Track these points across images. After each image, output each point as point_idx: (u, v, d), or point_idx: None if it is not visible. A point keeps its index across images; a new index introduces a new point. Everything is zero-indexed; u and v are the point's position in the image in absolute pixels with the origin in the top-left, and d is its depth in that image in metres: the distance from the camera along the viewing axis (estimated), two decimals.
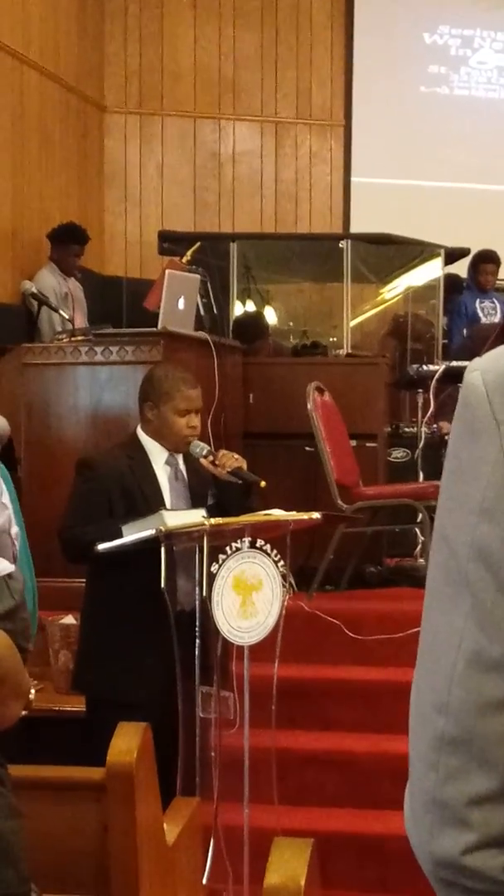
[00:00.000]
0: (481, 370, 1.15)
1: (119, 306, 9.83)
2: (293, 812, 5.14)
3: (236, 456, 5.20)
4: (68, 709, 5.36)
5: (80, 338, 6.46)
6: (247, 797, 4.69)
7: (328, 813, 5.43)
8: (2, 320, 8.76)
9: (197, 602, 4.74)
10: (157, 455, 5.16)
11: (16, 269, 9.38)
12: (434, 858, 1.17)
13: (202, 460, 5.16)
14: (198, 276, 6.59)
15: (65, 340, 6.48)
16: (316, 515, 4.92)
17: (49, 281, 9.07)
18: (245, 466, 5.18)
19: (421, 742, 1.18)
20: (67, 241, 9.33)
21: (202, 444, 5.22)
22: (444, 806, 1.16)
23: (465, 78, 12.21)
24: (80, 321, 8.78)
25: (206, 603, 4.69)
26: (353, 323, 9.28)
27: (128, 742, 3.28)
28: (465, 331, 10.00)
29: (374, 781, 5.54)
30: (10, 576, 2.31)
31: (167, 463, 5.17)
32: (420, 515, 6.88)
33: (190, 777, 4.71)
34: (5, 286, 9.20)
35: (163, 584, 4.71)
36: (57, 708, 5.50)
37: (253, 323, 8.76)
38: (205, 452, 5.16)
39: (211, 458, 5.15)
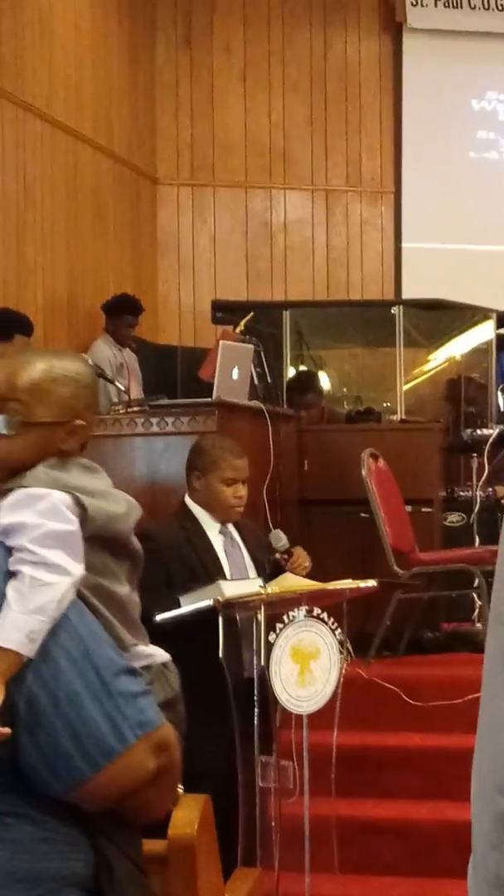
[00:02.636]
0: None
1: (173, 375, 9.94)
2: (354, 881, 5.12)
3: (307, 565, 5.27)
4: None
5: (135, 409, 6.53)
6: (308, 866, 4.70)
7: (389, 882, 5.41)
8: None
9: (255, 671, 4.76)
10: (210, 524, 5.21)
11: (71, 340, 9.50)
12: None
13: (277, 555, 5.24)
14: (251, 347, 6.65)
15: (121, 412, 6.55)
16: (372, 583, 4.94)
17: (104, 352, 9.18)
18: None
19: (483, 821, 1.20)
20: (122, 313, 9.45)
21: (284, 538, 5.29)
22: None
23: None
24: (136, 391, 8.87)
25: (264, 672, 4.72)
26: (406, 387, 9.33)
27: (189, 814, 3.30)
28: None
29: (434, 849, 5.52)
30: (166, 665, 2.34)
31: (220, 532, 5.22)
32: (476, 580, 6.89)
33: (251, 847, 4.71)
34: None
35: (221, 654, 4.74)
36: None
37: (305, 376, 8.82)
38: (282, 548, 5.24)
39: (285, 557, 5.23)
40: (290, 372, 9.26)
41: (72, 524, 2.30)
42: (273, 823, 4.75)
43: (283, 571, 5.15)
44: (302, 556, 5.27)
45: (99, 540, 2.35)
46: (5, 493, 2.38)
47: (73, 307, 9.64)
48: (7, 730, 1.93)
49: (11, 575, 2.11)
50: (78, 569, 2.22)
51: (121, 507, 2.53)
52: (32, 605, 2.05)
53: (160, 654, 2.52)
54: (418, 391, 10.12)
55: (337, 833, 4.87)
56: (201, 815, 3.35)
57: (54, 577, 2.16)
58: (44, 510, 2.29)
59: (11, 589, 2.04)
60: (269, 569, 5.24)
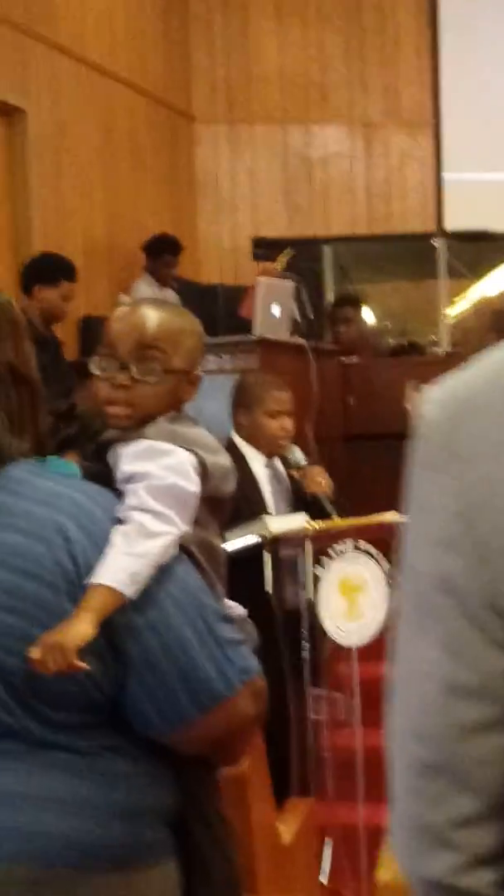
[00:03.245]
0: (434, 402, 1.17)
1: (216, 314, 9.91)
2: None
3: (321, 479, 5.24)
4: None
5: None
6: (361, 796, 4.74)
7: None
8: (101, 334, 8.86)
9: (303, 605, 4.79)
10: (255, 459, 5.23)
11: (112, 282, 9.49)
12: (424, 881, 1.21)
13: (294, 471, 5.24)
14: (291, 283, 6.64)
15: None
16: None
17: (146, 292, 9.16)
18: (330, 491, 5.22)
19: (402, 769, 1.22)
20: (162, 252, 9.42)
21: (300, 454, 5.29)
22: (430, 830, 1.19)
23: None
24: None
25: (311, 606, 4.75)
26: (450, 320, 9.29)
27: None
28: None
29: None
30: (244, 617, 2.37)
31: (266, 466, 5.24)
32: None
33: (304, 778, 4.76)
34: (103, 299, 9.31)
35: (268, 588, 4.77)
36: None
37: (344, 293, 8.78)
38: (299, 465, 5.24)
39: (301, 473, 5.23)
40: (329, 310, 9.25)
41: (193, 485, 2.31)
42: (326, 755, 4.79)
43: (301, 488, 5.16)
44: (316, 473, 5.25)
45: (208, 496, 2.37)
46: (122, 443, 2.43)
47: (112, 249, 9.63)
48: (84, 664, 1.94)
49: (119, 522, 2.13)
50: (185, 527, 2.25)
51: (229, 462, 2.56)
52: (136, 550, 2.06)
53: (239, 607, 2.55)
54: (463, 324, 10.08)
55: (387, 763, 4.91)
56: (252, 745, 3.38)
57: (163, 528, 2.16)
58: (168, 465, 2.30)
59: (118, 533, 2.05)
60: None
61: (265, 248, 9.15)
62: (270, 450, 5.22)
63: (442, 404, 1.18)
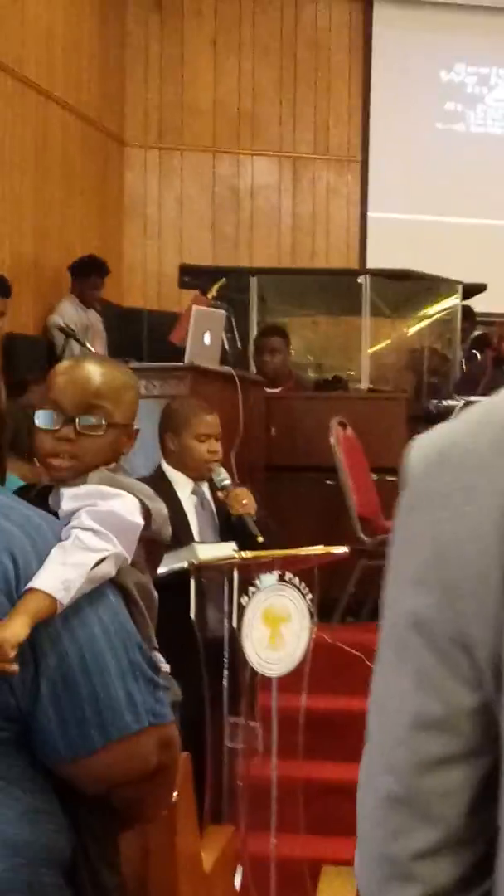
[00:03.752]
0: (418, 449, 1.23)
1: (138, 338, 9.92)
2: (319, 841, 5.18)
3: (246, 501, 5.25)
4: None
5: None
6: (274, 826, 4.76)
7: (352, 842, 5.47)
8: (24, 352, 8.85)
9: (226, 633, 4.81)
10: (183, 486, 5.24)
11: (37, 301, 9.49)
12: None
13: (218, 492, 5.27)
14: (223, 313, 6.69)
15: None
16: (344, 549, 5.00)
17: (70, 313, 9.17)
18: (254, 512, 5.25)
19: (368, 800, 1.29)
20: (89, 274, 9.44)
21: (225, 475, 5.31)
22: (392, 861, 1.24)
23: (482, 115, 12.34)
24: (101, 354, 8.87)
25: (234, 634, 4.77)
26: (370, 356, 9.37)
27: None
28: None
29: None
30: (169, 672, 2.38)
31: (193, 493, 5.26)
32: None
33: (217, 806, 4.77)
34: (27, 318, 9.30)
35: (193, 615, 4.79)
36: None
37: (271, 325, 8.83)
38: (223, 485, 5.26)
39: (224, 494, 5.25)
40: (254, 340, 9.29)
41: (136, 519, 2.40)
42: (240, 784, 4.81)
43: (249, 539, 5.18)
44: (241, 494, 5.29)
45: (144, 540, 2.42)
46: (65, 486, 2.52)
47: (39, 267, 9.62)
48: (15, 666, 1.95)
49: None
50: (123, 551, 2.28)
51: (166, 510, 2.63)
52: (72, 560, 2.09)
53: (164, 663, 2.59)
54: (380, 360, 10.17)
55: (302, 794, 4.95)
56: (181, 773, 3.40)
57: (100, 544, 2.21)
58: (114, 504, 2.37)
59: (57, 547, 2.08)
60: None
61: (192, 276, 9.20)
62: (199, 473, 5.24)
63: (425, 452, 1.22)
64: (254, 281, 8.96)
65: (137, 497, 2.48)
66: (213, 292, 7.25)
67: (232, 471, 6.30)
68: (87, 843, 2.13)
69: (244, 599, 4.72)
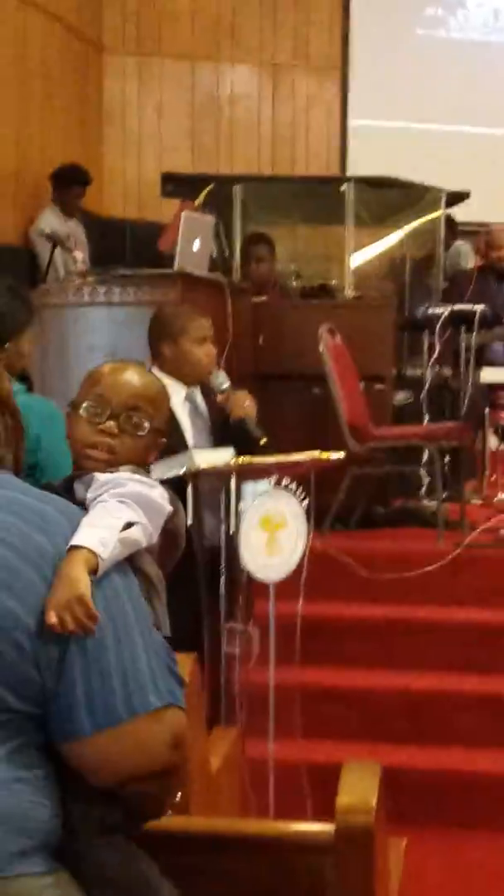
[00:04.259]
0: None
1: (119, 248, 9.86)
2: (316, 745, 5.23)
3: (248, 403, 5.24)
4: None
5: (93, 278, 6.49)
6: (272, 731, 4.80)
7: (347, 747, 5.53)
8: (7, 261, 8.78)
9: (223, 540, 4.82)
10: (175, 393, 5.20)
11: (17, 210, 9.41)
12: None
13: (219, 395, 5.24)
14: (212, 218, 6.63)
15: (78, 282, 6.50)
16: (340, 455, 5.00)
17: (52, 222, 9.10)
18: (254, 414, 5.23)
19: None
20: (70, 183, 9.37)
21: (224, 377, 5.29)
22: None
23: (462, 20, 12.20)
24: (83, 263, 8.81)
25: (231, 541, 4.78)
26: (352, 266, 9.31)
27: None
28: None
29: (389, 716, 5.67)
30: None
31: (187, 399, 5.23)
32: (426, 457, 7.00)
33: (216, 712, 4.80)
34: (8, 228, 9.22)
35: (189, 522, 4.78)
36: None
37: (257, 232, 8.77)
38: (223, 388, 5.24)
39: (225, 396, 5.23)
40: (239, 249, 9.22)
41: (163, 503, 2.44)
42: (237, 689, 4.84)
43: (250, 443, 5.16)
44: (242, 396, 5.27)
45: (165, 531, 2.50)
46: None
47: (19, 177, 9.52)
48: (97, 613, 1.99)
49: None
50: (150, 527, 2.32)
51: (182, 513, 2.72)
52: (101, 522, 2.13)
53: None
54: (363, 269, 10.11)
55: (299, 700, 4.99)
56: (189, 674, 3.42)
57: (126, 511, 2.25)
58: (143, 487, 2.42)
59: (87, 515, 2.14)
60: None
61: (175, 184, 9.10)
62: (197, 377, 5.21)
63: None
64: (237, 189, 8.86)
65: (169, 493, 2.53)
66: (200, 199, 7.18)
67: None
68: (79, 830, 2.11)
69: (241, 506, 4.73)
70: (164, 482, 4.62)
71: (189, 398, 5.23)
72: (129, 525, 2.21)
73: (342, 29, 11.70)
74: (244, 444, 5.02)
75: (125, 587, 2.10)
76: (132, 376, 2.72)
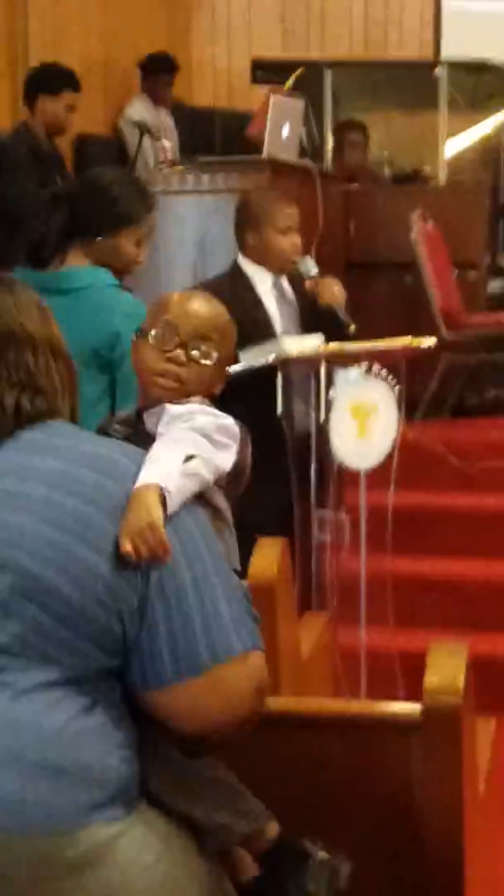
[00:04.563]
0: None
1: (209, 137, 9.75)
2: (407, 633, 5.22)
3: (337, 289, 5.16)
4: None
5: (181, 167, 6.44)
6: (364, 618, 4.80)
7: (439, 634, 5.51)
8: (96, 151, 8.73)
9: (313, 428, 4.78)
10: (262, 281, 5.15)
11: (107, 100, 9.33)
12: None
13: (307, 282, 5.17)
14: (303, 102, 6.51)
15: (166, 171, 6.46)
16: (432, 340, 4.93)
17: (142, 112, 9.01)
18: (343, 301, 5.16)
19: None
20: (159, 71, 9.25)
21: (312, 264, 5.21)
22: None
23: None
24: (173, 152, 8.73)
25: (321, 428, 4.75)
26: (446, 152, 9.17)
27: (268, 555, 3.36)
28: None
29: (481, 604, 5.64)
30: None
31: (273, 286, 5.17)
32: None
33: (307, 599, 4.80)
34: (98, 117, 9.16)
35: (279, 410, 4.76)
36: None
37: (351, 119, 8.63)
38: (311, 274, 5.16)
39: (313, 283, 5.16)
40: (329, 137, 9.11)
41: (235, 441, 2.45)
42: (329, 576, 4.83)
43: (340, 330, 5.10)
44: (330, 282, 5.20)
45: (238, 460, 2.47)
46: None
47: (108, 66, 9.43)
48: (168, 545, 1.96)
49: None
50: (218, 460, 2.34)
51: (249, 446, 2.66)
52: (167, 457, 2.13)
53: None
54: (456, 158, 9.95)
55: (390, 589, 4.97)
56: (279, 558, 3.42)
57: (194, 449, 2.25)
58: (215, 419, 2.44)
59: (152, 449, 2.15)
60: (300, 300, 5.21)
61: (265, 71, 8.98)
62: (282, 267, 5.14)
63: None
64: (328, 73, 8.73)
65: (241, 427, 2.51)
66: (290, 83, 7.07)
67: None
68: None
69: (331, 393, 4.69)
70: (255, 370, 4.66)
71: (276, 286, 5.17)
72: (189, 458, 2.19)
73: None
74: (332, 332, 4.95)
75: (198, 527, 2.06)
76: (202, 306, 2.67)
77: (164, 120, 9.27)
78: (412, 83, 9.41)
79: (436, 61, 9.79)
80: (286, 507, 4.82)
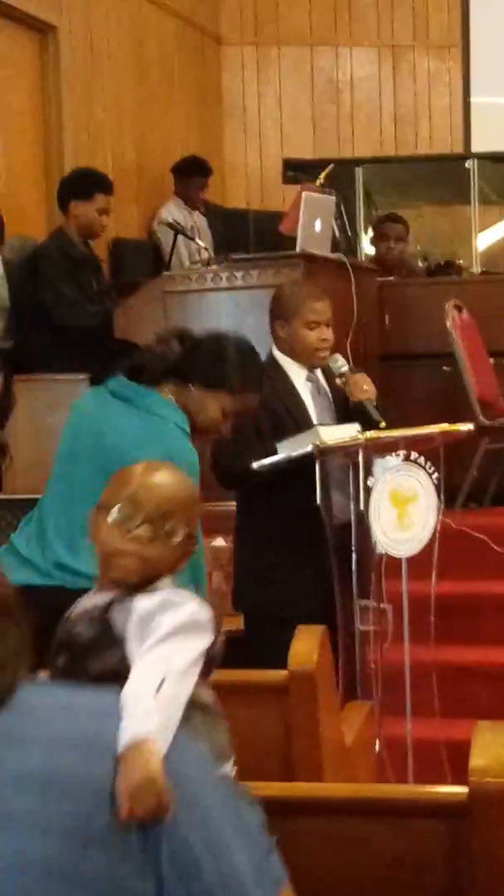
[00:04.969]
0: None
1: (243, 238, 9.84)
2: (454, 723, 5.16)
3: (367, 386, 5.16)
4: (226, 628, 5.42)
5: (216, 265, 6.50)
6: (409, 709, 4.75)
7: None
8: (131, 255, 8.83)
9: (353, 516, 4.77)
10: (297, 373, 5.17)
11: (141, 204, 9.45)
12: None
13: (337, 380, 5.19)
14: (333, 198, 6.59)
15: (202, 269, 6.52)
16: (469, 426, 4.93)
17: (175, 214, 9.12)
18: (374, 397, 5.16)
19: None
20: (191, 174, 9.38)
21: (343, 361, 5.23)
22: None
23: None
24: (208, 252, 8.82)
25: (361, 517, 4.74)
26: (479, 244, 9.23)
27: (309, 644, 3.34)
28: None
29: None
30: None
31: (308, 380, 5.19)
32: None
33: (351, 690, 4.76)
34: (132, 221, 9.27)
35: (318, 500, 4.75)
36: None
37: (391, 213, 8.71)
38: (341, 371, 5.18)
39: (343, 380, 5.17)
40: (363, 231, 9.19)
41: (209, 633, 2.41)
42: (373, 666, 4.79)
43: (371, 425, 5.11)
44: (361, 380, 5.20)
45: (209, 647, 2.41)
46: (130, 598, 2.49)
47: (141, 171, 9.56)
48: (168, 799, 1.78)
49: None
50: (190, 668, 2.28)
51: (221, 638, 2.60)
52: (141, 703, 1.94)
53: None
54: (490, 250, 10.01)
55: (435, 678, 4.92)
56: (320, 646, 3.39)
57: (163, 675, 2.13)
58: (184, 613, 2.38)
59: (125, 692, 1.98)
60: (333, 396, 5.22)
61: (296, 170, 9.08)
62: (310, 361, 5.14)
63: None
64: (359, 171, 8.83)
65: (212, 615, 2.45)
66: (321, 179, 7.15)
67: (347, 360, 6.25)
68: None
69: (370, 481, 4.68)
70: (293, 461, 4.66)
71: (310, 379, 5.18)
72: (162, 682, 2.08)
73: (462, 5, 11.55)
74: (364, 427, 4.96)
75: (196, 767, 1.86)
76: (165, 479, 2.57)
77: (197, 221, 9.38)
78: (442, 177, 9.51)
79: (465, 155, 9.89)
80: (327, 597, 4.79)
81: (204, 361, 3.94)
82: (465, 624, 5.88)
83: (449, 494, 6.51)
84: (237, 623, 5.18)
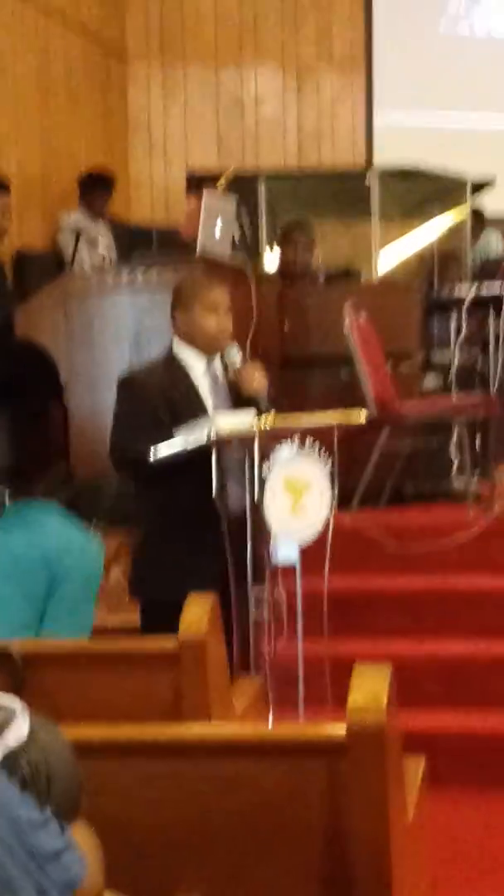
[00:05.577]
0: None
1: (145, 251, 9.90)
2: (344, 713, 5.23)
3: (258, 374, 5.23)
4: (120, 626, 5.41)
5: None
6: (301, 697, 4.80)
7: None
8: (34, 267, 8.85)
9: (248, 505, 4.83)
10: (195, 363, 5.21)
11: (46, 215, 9.49)
12: None
13: (230, 372, 5.25)
14: (234, 198, 6.66)
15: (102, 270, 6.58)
16: (362, 416, 5.01)
17: (80, 223, 9.17)
18: (264, 389, 5.21)
19: None
20: (96, 186, 9.45)
21: (237, 353, 5.27)
22: None
23: (485, 13, 12.15)
24: (109, 262, 8.87)
25: (256, 506, 4.80)
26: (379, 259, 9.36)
27: (199, 612, 3.40)
28: None
29: (421, 683, 5.68)
30: None
31: (207, 369, 5.24)
32: (455, 433, 7.02)
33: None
34: (36, 232, 9.30)
35: (214, 489, 4.81)
36: (108, 626, 5.57)
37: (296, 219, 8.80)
38: (236, 364, 5.24)
39: (234, 374, 5.23)
40: (264, 243, 9.28)
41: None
42: (267, 657, 4.84)
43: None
44: (250, 369, 5.26)
45: None
46: None
47: (46, 185, 9.60)
48: None
49: None
50: None
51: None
52: None
53: None
54: (390, 265, 10.14)
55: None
56: (209, 615, 3.45)
57: None
58: None
59: None
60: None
61: (200, 184, 9.15)
62: (209, 347, 5.19)
63: None
64: (262, 185, 8.93)
65: None
66: (222, 181, 7.22)
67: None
68: None
69: (265, 470, 4.75)
70: (190, 451, 4.71)
71: (209, 369, 5.23)
72: None
73: (365, 26, 11.70)
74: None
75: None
76: None
77: (102, 232, 9.43)
78: (344, 193, 9.63)
79: (365, 169, 10.03)
80: (223, 585, 4.84)
81: None
82: (357, 617, 5.96)
83: (345, 495, 6.61)
84: (132, 617, 5.20)
